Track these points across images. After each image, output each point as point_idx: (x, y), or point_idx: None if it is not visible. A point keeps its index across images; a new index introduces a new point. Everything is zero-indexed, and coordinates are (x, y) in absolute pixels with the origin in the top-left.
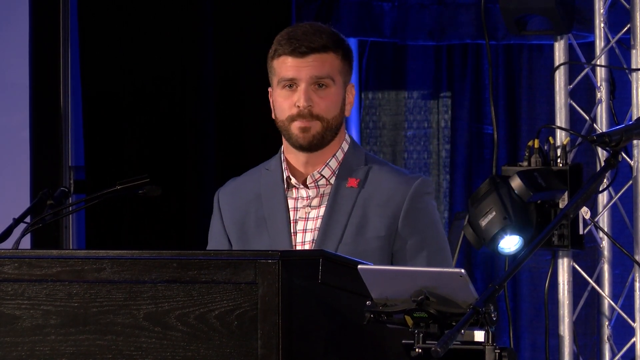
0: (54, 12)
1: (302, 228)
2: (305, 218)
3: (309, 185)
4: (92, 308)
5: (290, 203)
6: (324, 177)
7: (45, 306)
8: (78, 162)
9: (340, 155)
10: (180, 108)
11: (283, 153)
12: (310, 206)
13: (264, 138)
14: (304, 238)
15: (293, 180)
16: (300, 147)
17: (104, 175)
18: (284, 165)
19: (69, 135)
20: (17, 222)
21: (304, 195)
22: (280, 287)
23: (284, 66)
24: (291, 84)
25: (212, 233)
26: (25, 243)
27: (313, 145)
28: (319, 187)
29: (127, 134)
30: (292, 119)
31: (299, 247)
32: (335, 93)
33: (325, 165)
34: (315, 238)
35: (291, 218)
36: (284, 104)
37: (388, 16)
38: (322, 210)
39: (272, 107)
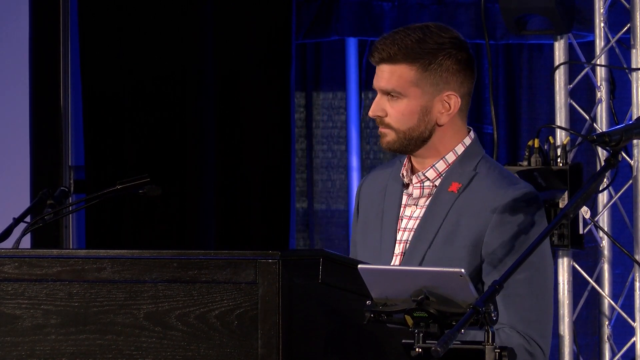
0: (54, 12)
1: (404, 226)
2: (409, 217)
3: (414, 185)
4: (93, 308)
5: (404, 199)
6: (428, 179)
7: (46, 306)
8: (78, 162)
9: (451, 157)
10: (180, 108)
11: None
12: (416, 205)
13: (264, 138)
14: (402, 236)
15: (406, 178)
16: (386, 151)
17: (104, 175)
18: (405, 160)
19: (69, 135)
20: (17, 221)
21: (413, 194)
22: (280, 287)
23: None
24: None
25: (353, 221)
26: (26, 243)
27: (395, 150)
28: (423, 188)
29: (127, 134)
30: (377, 122)
31: (396, 245)
32: (407, 105)
33: (431, 167)
34: (409, 238)
35: (400, 214)
36: None
37: (388, 16)
38: (424, 211)
39: None
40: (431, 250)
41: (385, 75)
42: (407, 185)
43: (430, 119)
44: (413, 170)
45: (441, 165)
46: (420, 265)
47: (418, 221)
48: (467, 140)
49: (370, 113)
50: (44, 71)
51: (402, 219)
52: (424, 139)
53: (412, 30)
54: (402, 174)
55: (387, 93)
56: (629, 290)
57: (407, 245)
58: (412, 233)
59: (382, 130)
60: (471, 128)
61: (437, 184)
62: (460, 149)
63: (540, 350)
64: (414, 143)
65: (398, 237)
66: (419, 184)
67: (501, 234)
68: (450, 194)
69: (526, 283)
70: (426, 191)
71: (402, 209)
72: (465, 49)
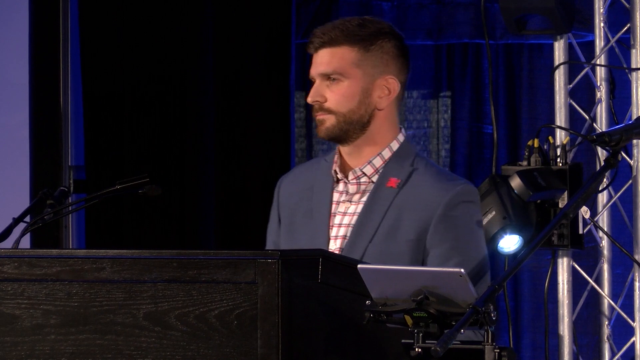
0: (54, 12)
1: (338, 222)
2: (344, 213)
3: (350, 181)
4: (92, 308)
5: (335, 196)
6: (365, 174)
7: (45, 306)
8: (78, 161)
9: (387, 153)
10: (180, 108)
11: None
12: (350, 201)
13: (264, 138)
14: (338, 232)
15: (339, 174)
16: (325, 139)
17: (104, 175)
18: (336, 157)
19: (69, 135)
20: (17, 221)
21: (348, 190)
22: (280, 286)
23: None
24: (314, 80)
25: (269, 223)
26: (25, 242)
27: (334, 138)
28: (360, 184)
29: (127, 134)
30: (313, 112)
31: (331, 242)
32: (349, 86)
33: (368, 163)
34: (347, 234)
35: (332, 211)
36: None
37: (387, 16)
38: (360, 207)
39: None
40: (372, 245)
41: (326, 59)
42: (337, 182)
43: (370, 102)
44: (344, 168)
45: (378, 161)
46: (361, 259)
47: (356, 217)
48: (401, 137)
49: (309, 99)
50: (44, 71)
51: (335, 216)
52: (363, 124)
53: (351, 19)
54: (335, 170)
55: (327, 77)
56: (628, 290)
57: (346, 241)
58: (349, 229)
59: (320, 117)
60: (402, 127)
61: (374, 180)
62: (395, 146)
63: None
64: (353, 129)
65: (333, 233)
66: (355, 180)
67: (446, 228)
68: (389, 189)
69: (479, 271)
70: (362, 187)
71: (334, 205)
72: (402, 39)
